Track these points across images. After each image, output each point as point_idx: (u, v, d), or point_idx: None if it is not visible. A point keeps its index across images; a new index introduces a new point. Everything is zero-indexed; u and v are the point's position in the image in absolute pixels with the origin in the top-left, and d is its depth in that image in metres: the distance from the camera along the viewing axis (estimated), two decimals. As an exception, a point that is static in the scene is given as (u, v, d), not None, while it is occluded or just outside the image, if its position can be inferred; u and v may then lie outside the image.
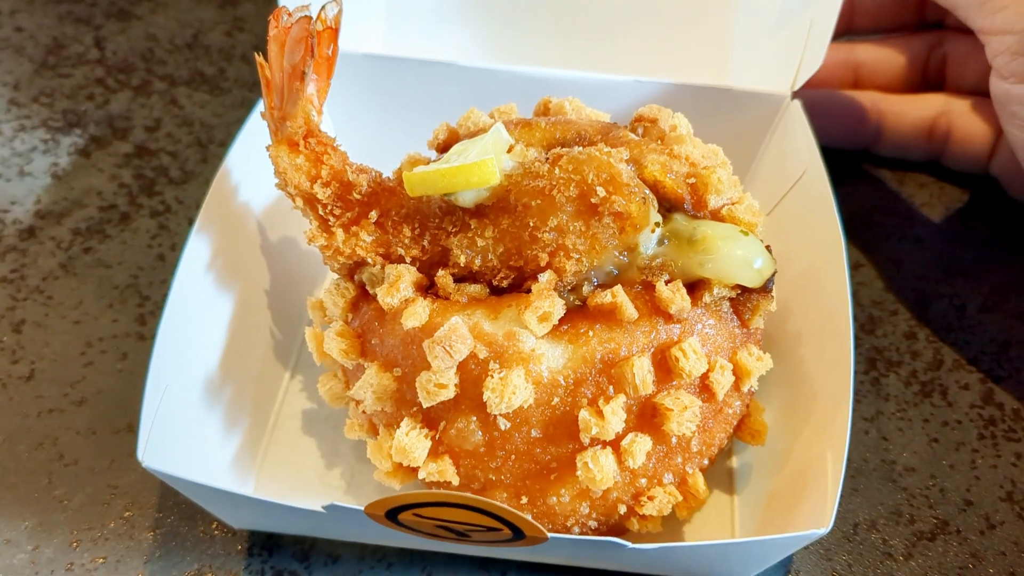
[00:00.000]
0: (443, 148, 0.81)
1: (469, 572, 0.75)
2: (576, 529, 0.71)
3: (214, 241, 0.79)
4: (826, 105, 1.05)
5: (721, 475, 0.81)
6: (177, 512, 0.78)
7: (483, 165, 0.68)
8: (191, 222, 1.02)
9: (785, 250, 0.87)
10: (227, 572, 0.74)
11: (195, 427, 0.73)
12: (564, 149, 0.69)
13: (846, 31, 1.08)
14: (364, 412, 0.73)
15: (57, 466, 0.81)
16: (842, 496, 0.79)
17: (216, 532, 0.77)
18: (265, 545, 0.76)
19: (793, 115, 0.92)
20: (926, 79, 1.07)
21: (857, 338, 0.91)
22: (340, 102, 0.98)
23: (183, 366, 0.73)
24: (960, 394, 0.87)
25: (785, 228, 0.88)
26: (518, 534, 0.62)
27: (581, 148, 0.69)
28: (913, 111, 1.04)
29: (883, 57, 1.08)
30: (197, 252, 0.77)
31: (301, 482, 0.79)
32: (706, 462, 0.72)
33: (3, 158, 1.12)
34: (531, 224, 0.67)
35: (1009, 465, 0.82)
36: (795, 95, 0.93)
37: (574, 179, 0.67)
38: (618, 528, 0.73)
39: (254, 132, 0.84)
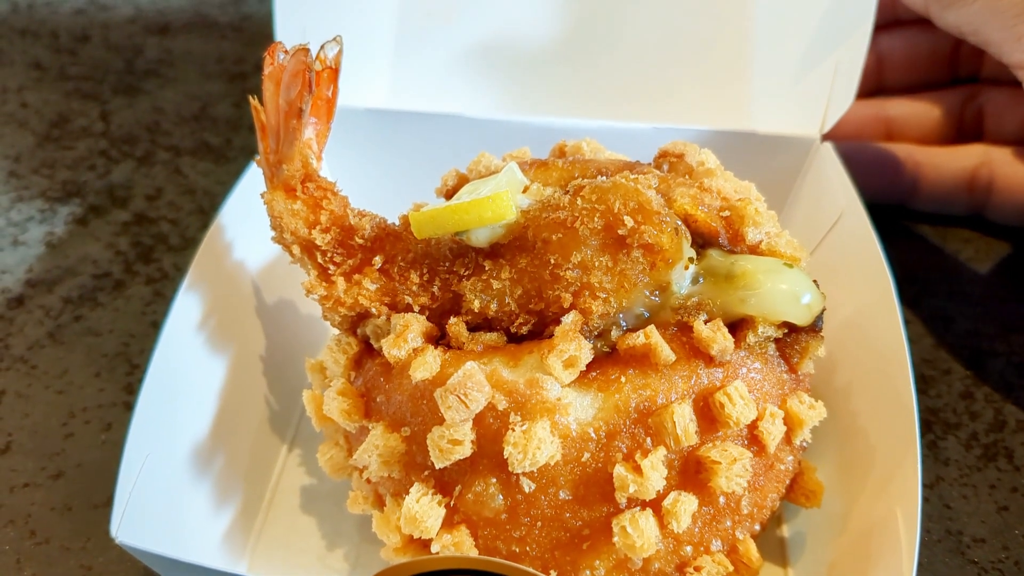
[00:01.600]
0: (451, 195, 0.75)
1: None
2: (613, 608, 0.62)
3: (205, 300, 0.72)
4: (859, 157, 1.00)
5: (771, 545, 0.72)
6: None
7: (497, 199, 0.62)
8: (188, 289, 0.96)
9: (828, 297, 0.80)
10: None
11: (180, 501, 0.66)
12: (586, 180, 0.63)
13: (877, 90, 1.04)
14: (369, 481, 0.65)
15: (27, 545, 0.73)
16: (909, 570, 0.70)
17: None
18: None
19: (825, 157, 0.86)
20: (962, 132, 1.02)
21: (910, 397, 0.83)
22: (343, 158, 0.93)
23: (167, 434, 0.66)
24: (1029, 456, 0.79)
25: (825, 274, 0.81)
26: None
27: (603, 178, 0.63)
28: (952, 162, 0.98)
29: (916, 111, 1.02)
30: (186, 311, 0.70)
31: (300, 564, 0.71)
32: (757, 527, 0.64)
33: (-3, 229, 1.07)
34: (552, 261, 0.61)
35: (1090, 533, 0.73)
36: (824, 138, 0.88)
37: (599, 209, 0.60)
38: (660, 607, 0.64)
39: (250, 189, 0.79)
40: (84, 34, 1.42)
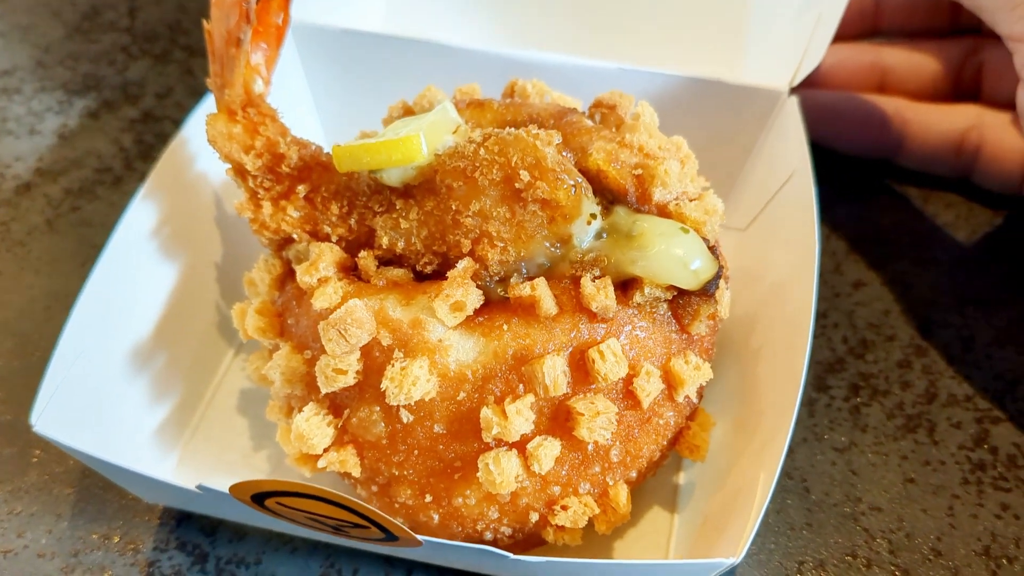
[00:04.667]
0: (397, 125, 0.78)
1: (372, 566, 0.71)
2: (488, 535, 0.67)
3: (161, 207, 0.77)
4: (845, 108, 0.98)
5: (666, 490, 0.75)
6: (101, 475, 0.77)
7: (407, 141, 0.64)
8: (180, 190, 1.02)
9: (764, 260, 0.81)
10: (133, 538, 0.73)
11: (114, 392, 0.72)
12: (496, 130, 0.65)
13: (873, 31, 1.00)
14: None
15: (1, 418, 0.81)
16: (791, 530, 0.73)
17: (134, 499, 0.75)
18: (177, 516, 0.74)
19: (788, 113, 0.85)
20: (959, 88, 0.98)
21: (842, 360, 0.84)
22: (321, 78, 0.96)
23: (108, 331, 0.71)
24: (949, 433, 0.79)
25: (767, 235, 0.82)
26: (389, 535, 0.58)
27: (511, 130, 0.64)
28: (941, 122, 0.95)
29: (913, 62, 0.99)
30: (140, 216, 0.75)
31: (225, 461, 0.77)
32: (633, 474, 0.67)
33: (18, 116, 1.13)
34: (454, 208, 0.63)
35: (992, 516, 0.74)
36: (794, 91, 0.86)
37: (498, 161, 0.62)
38: (534, 538, 0.68)
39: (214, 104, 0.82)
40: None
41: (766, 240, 0.82)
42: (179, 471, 0.76)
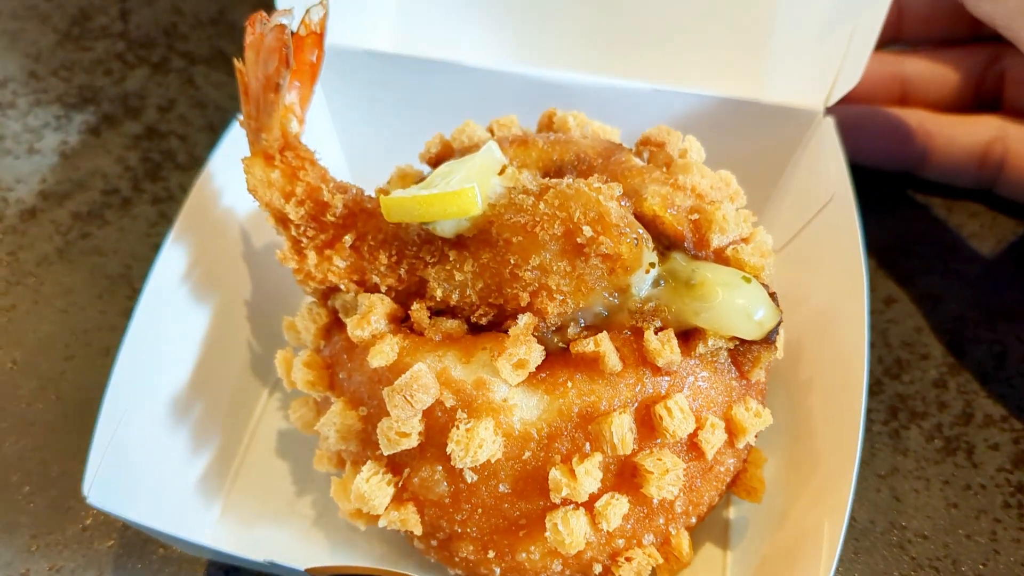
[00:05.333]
0: (435, 162, 0.76)
1: (432, 620, 0.71)
2: (548, 585, 0.67)
3: (192, 249, 0.75)
4: (868, 123, 0.97)
5: (716, 527, 0.75)
6: (141, 527, 0.75)
7: (463, 195, 0.62)
8: (193, 212, 0.99)
9: (804, 283, 0.80)
10: (184, 596, 0.72)
11: (157, 450, 0.70)
12: (554, 180, 0.63)
13: (894, 39, 0.99)
14: (332, 446, 0.69)
15: (27, 463, 0.79)
16: (841, 563, 0.73)
17: (177, 551, 0.74)
18: (223, 566, 0.73)
19: (824, 133, 0.84)
20: (980, 96, 0.98)
21: (880, 383, 0.84)
22: (341, 100, 0.93)
23: (147, 385, 0.70)
24: (988, 455, 0.80)
25: (806, 259, 0.82)
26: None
27: (571, 179, 0.63)
28: (965, 135, 0.95)
29: (934, 72, 0.98)
30: (171, 262, 0.73)
31: (270, 509, 0.76)
32: (693, 520, 0.67)
33: (15, 133, 1.09)
34: (512, 261, 0.62)
35: (1034, 539, 0.75)
36: (829, 111, 0.85)
37: (559, 216, 0.61)
38: (594, 586, 0.68)
39: (241, 134, 0.80)
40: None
41: (805, 264, 0.81)
42: (223, 521, 0.75)
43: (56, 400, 0.84)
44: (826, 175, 0.82)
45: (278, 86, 0.67)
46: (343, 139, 0.95)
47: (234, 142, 0.80)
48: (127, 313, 0.89)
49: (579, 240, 0.61)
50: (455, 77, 0.90)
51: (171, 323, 0.73)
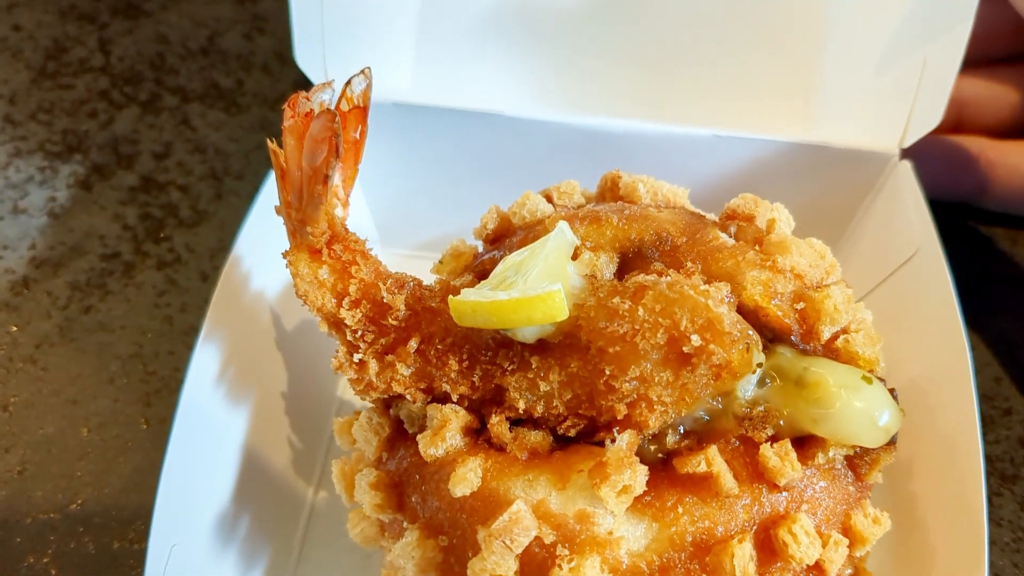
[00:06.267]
0: (492, 239, 0.69)
1: None
2: None
3: (224, 347, 0.67)
4: (929, 153, 0.91)
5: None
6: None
7: (548, 299, 0.55)
8: (203, 276, 0.91)
9: (889, 346, 0.74)
10: None
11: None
12: (648, 279, 0.56)
13: None
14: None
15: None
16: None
17: None
18: None
19: (902, 179, 0.78)
20: None
21: (967, 445, 0.79)
22: (369, 154, 0.85)
23: (191, 512, 0.63)
24: (1089, 521, 0.75)
25: (889, 317, 0.75)
26: None
27: (668, 278, 0.56)
28: None
29: (991, 93, 0.93)
30: (204, 366, 0.66)
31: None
32: (806, 634, 0.61)
33: (-4, 189, 1.00)
34: (607, 372, 0.55)
35: None
36: (904, 154, 0.79)
37: (663, 324, 0.54)
38: None
39: (264, 210, 0.72)
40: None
41: (887, 325, 0.75)
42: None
43: (73, 508, 0.76)
44: (907, 225, 0.76)
45: (327, 178, 0.59)
46: (369, 197, 0.87)
47: (257, 220, 0.72)
48: (144, 400, 0.82)
49: (685, 349, 0.54)
50: (492, 128, 0.82)
51: (209, 435, 0.65)
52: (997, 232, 0.94)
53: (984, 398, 0.82)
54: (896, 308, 0.75)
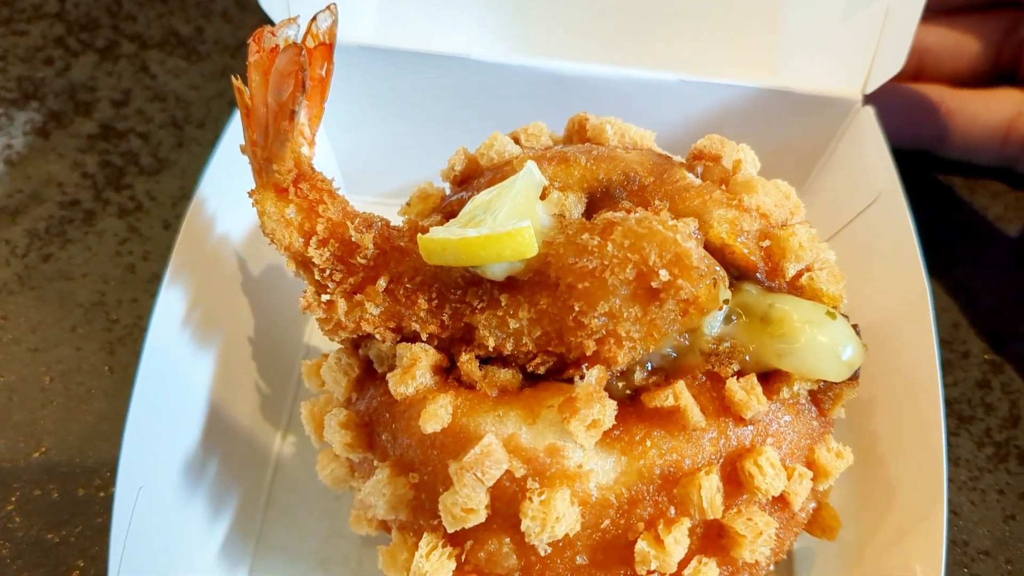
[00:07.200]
0: (460, 181, 0.69)
1: None
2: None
3: (189, 291, 0.66)
4: (889, 101, 0.91)
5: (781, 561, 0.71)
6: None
7: (518, 235, 0.55)
8: (165, 224, 0.90)
9: (851, 289, 0.75)
10: None
11: (176, 521, 0.63)
12: (616, 215, 0.56)
13: None
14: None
15: (15, 533, 0.71)
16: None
17: (201, 628, 0.67)
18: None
19: (864, 124, 0.79)
20: (999, 67, 0.94)
21: (926, 387, 0.81)
22: (333, 100, 0.84)
23: (158, 457, 0.62)
24: (1041, 459, 0.77)
25: (852, 261, 0.76)
26: None
27: (637, 214, 0.56)
28: (987, 112, 0.91)
29: (952, 42, 0.94)
30: (169, 310, 0.65)
31: (300, 570, 0.69)
32: (772, 567, 0.62)
33: (-52, 137, 0.97)
34: (576, 308, 0.55)
35: (1097, 546, 0.73)
36: (867, 99, 0.80)
37: (631, 259, 0.54)
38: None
39: (231, 148, 0.71)
40: None
41: (850, 268, 0.76)
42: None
43: (36, 456, 0.75)
44: (870, 170, 0.77)
45: (293, 113, 0.58)
46: (334, 141, 0.86)
47: (222, 157, 0.71)
48: (107, 348, 0.81)
49: (654, 284, 0.54)
50: (458, 71, 0.81)
51: (175, 380, 0.65)
52: (956, 181, 0.96)
53: (943, 343, 0.84)
54: (859, 252, 0.76)
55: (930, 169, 0.96)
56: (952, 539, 0.73)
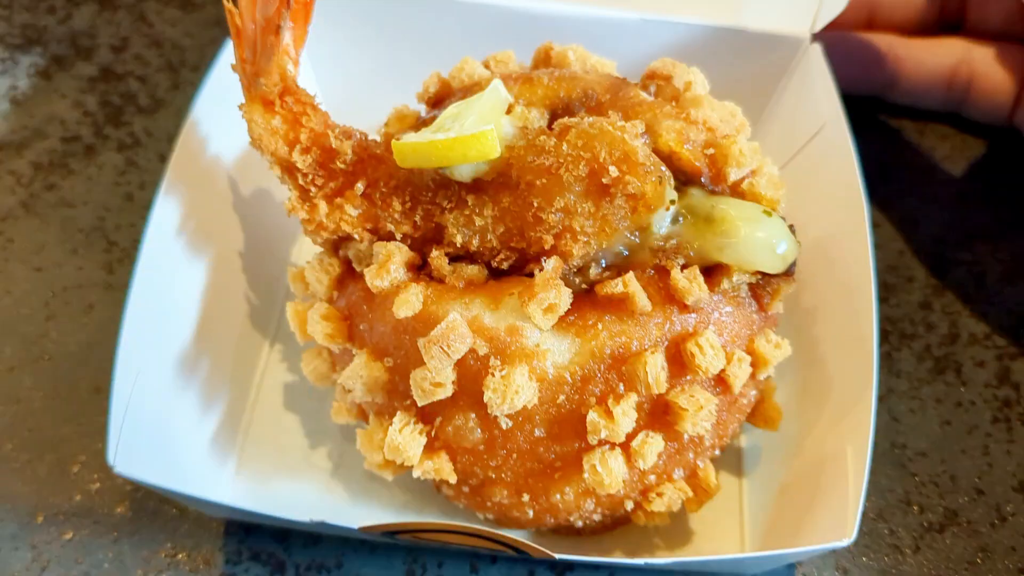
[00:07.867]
0: (434, 102, 0.74)
1: (457, 560, 0.71)
2: (579, 523, 0.68)
3: (183, 203, 0.72)
4: (840, 48, 0.97)
5: (730, 455, 0.77)
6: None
7: (482, 138, 0.61)
8: (162, 157, 0.96)
9: (798, 212, 0.81)
10: (201, 553, 0.71)
11: (170, 408, 0.68)
12: (572, 120, 0.62)
13: None
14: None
15: (21, 431, 0.76)
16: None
17: (192, 512, 0.73)
18: (244, 526, 0.72)
19: (812, 60, 0.84)
20: (944, 18, 0.99)
21: (870, 307, 0.87)
22: (316, 39, 0.89)
23: (155, 346, 0.67)
24: (975, 372, 0.83)
25: (800, 187, 0.82)
26: (523, 554, 0.58)
27: (590, 119, 0.62)
28: (931, 58, 0.97)
29: None
30: (165, 218, 0.70)
31: (285, 463, 0.75)
32: (717, 452, 0.68)
33: (-45, 80, 1.03)
34: (535, 204, 0.61)
35: (1023, 452, 0.79)
36: (815, 37, 0.85)
37: (584, 156, 0.60)
38: (623, 520, 0.69)
39: (223, 77, 0.76)
40: None
41: (800, 193, 0.81)
42: (239, 478, 0.74)
43: (41, 362, 0.80)
44: (816, 103, 0.82)
45: (278, 28, 0.63)
46: (321, 77, 0.92)
47: (214, 86, 0.77)
48: (106, 267, 0.87)
49: (604, 180, 0.60)
50: (435, 10, 0.87)
51: (171, 281, 0.70)
52: (905, 124, 1.01)
53: (889, 268, 0.90)
54: (806, 177, 0.82)
55: (883, 113, 1.02)
56: (892, 442, 0.79)
